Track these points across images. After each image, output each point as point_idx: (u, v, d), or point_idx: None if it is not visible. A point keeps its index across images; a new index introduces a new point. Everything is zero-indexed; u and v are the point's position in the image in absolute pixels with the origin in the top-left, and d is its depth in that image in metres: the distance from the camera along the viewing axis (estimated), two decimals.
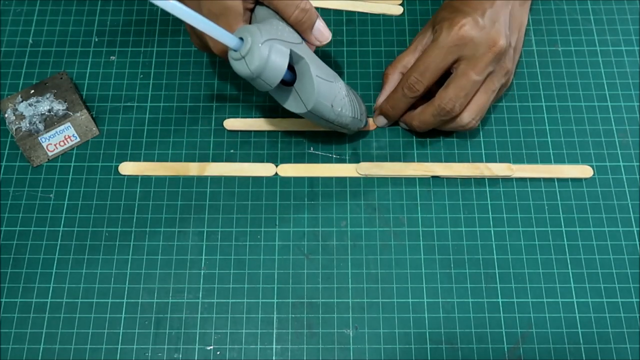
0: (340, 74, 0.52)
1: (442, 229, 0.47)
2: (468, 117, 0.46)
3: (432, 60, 0.45)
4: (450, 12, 0.46)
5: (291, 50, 0.41)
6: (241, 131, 0.50)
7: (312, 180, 0.48)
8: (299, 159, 0.49)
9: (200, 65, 0.53)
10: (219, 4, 0.41)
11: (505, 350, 0.43)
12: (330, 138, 0.50)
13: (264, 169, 0.49)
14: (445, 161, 0.49)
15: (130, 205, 0.47)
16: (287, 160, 0.49)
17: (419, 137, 0.50)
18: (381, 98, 0.49)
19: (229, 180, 0.48)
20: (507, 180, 0.48)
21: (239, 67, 0.40)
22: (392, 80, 0.49)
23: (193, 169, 0.49)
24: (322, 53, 0.53)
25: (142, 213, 0.47)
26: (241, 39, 0.39)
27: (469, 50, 0.44)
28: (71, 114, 0.49)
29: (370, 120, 0.50)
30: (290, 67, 0.42)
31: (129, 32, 0.55)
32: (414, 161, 0.49)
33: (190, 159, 0.49)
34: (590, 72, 0.53)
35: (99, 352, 0.43)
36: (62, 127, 0.48)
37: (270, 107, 0.51)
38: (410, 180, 0.48)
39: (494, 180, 0.48)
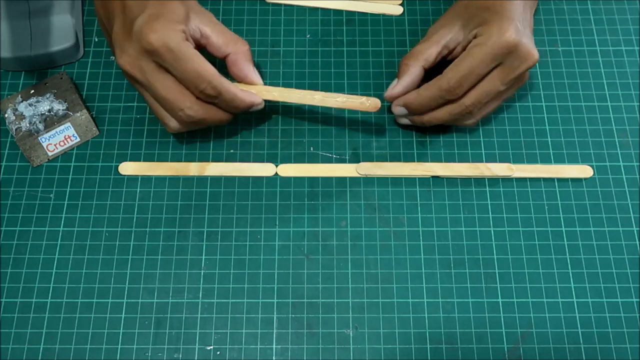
0: (341, 74, 0.52)
1: (442, 229, 0.47)
2: (475, 120, 0.46)
3: (478, 65, 0.43)
4: (492, 14, 0.44)
5: None
6: (241, 131, 0.50)
7: (312, 180, 0.48)
8: (299, 159, 0.49)
9: None
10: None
11: (505, 350, 0.43)
12: (330, 138, 0.50)
13: (264, 169, 0.49)
14: (445, 161, 0.49)
15: (130, 205, 0.47)
16: (287, 160, 0.49)
17: (419, 138, 0.50)
18: (398, 88, 0.47)
19: (229, 180, 0.48)
20: (507, 180, 0.48)
21: None
22: (413, 72, 0.46)
23: (193, 169, 0.49)
24: (322, 54, 0.53)
25: (142, 213, 0.47)
26: None
27: (508, 59, 0.43)
28: (71, 114, 0.49)
29: (372, 100, 0.46)
30: None
31: None
32: (414, 161, 0.49)
33: (190, 159, 0.49)
34: (590, 72, 0.53)
35: (99, 352, 0.43)
36: (62, 127, 0.48)
37: (270, 107, 0.51)
38: (410, 180, 0.48)
39: (494, 180, 0.48)
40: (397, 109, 0.48)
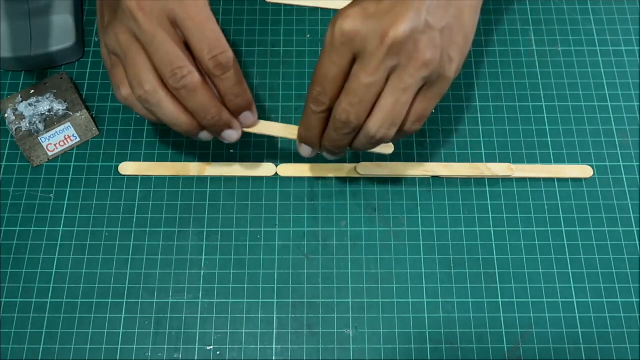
0: None
1: (442, 229, 0.47)
2: (374, 125, 0.38)
3: (325, 67, 0.37)
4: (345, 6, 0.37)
5: None
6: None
7: (312, 180, 0.48)
8: (299, 159, 0.49)
9: None
10: None
11: (505, 350, 0.43)
12: None
13: (264, 169, 0.49)
14: (445, 161, 0.49)
15: (130, 205, 0.47)
16: (287, 160, 0.49)
17: (419, 138, 0.50)
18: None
19: (229, 180, 0.48)
20: (507, 180, 0.48)
21: None
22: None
23: (193, 169, 0.49)
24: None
25: (142, 213, 0.47)
26: None
27: (358, 47, 0.35)
28: (71, 114, 0.49)
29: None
30: None
31: None
32: (414, 161, 0.49)
33: (190, 159, 0.49)
34: (590, 72, 0.53)
35: (99, 352, 0.43)
36: (62, 127, 0.48)
37: (270, 108, 0.51)
38: (410, 180, 0.48)
39: (494, 180, 0.48)
40: (301, 148, 0.42)
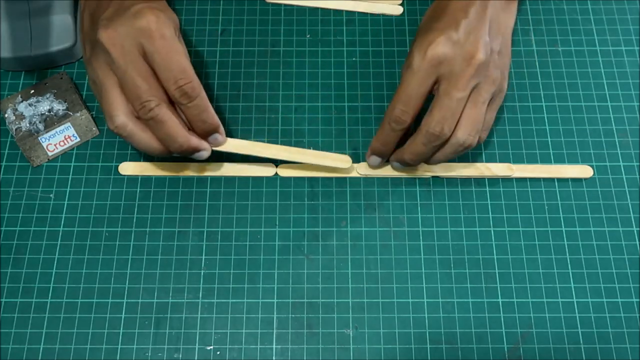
0: (341, 74, 0.52)
1: (442, 229, 0.47)
2: (463, 134, 0.43)
3: (411, 88, 0.42)
4: (421, 34, 0.43)
5: None
6: (241, 132, 0.50)
7: (312, 180, 0.48)
8: None
9: (200, 66, 0.53)
10: None
11: (505, 350, 0.43)
12: (331, 138, 0.50)
13: (264, 169, 0.49)
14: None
15: (130, 205, 0.47)
16: (287, 160, 0.49)
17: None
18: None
19: (229, 180, 0.48)
20: (507, 180, 0.48)
21: None
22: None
23: (193, 169, 0.49)
24: (322, 54, 0.53)
25: (142, 213, 0.47)
26: None
27: (446, 69, 0.41)
28: (71, 114, 0.49)
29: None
30: None
31: None
32: None
33: (190, 159, 0.49)
34: (590, 72, 0.53)
35: (99, 352, 0.43)
36: (62, 127, 0.48)
37: (270, 108, 0.51)
38: (410, 180, 0.48)
39: (494, 180, 0.48)
40: (371, 159, 0.47)
